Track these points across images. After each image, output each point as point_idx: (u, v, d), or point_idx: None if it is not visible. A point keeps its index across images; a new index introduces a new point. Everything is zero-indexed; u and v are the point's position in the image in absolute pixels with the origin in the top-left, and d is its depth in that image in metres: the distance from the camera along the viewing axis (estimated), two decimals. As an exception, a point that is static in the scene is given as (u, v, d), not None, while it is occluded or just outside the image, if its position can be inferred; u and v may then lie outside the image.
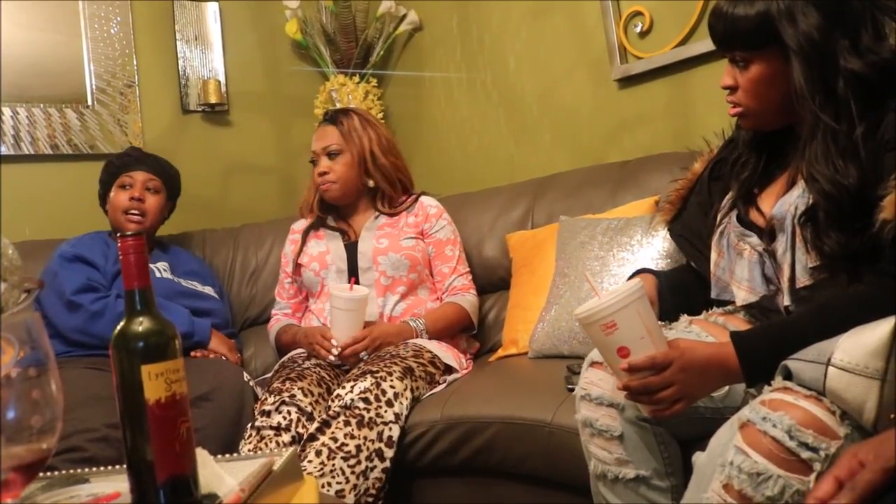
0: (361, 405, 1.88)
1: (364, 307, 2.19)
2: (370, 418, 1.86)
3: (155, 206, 2.46)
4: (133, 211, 2.41)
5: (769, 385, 1.15)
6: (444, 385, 2.10)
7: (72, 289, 2.24)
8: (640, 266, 1.82)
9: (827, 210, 1.28)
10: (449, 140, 3.16)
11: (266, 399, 2.00)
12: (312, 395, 2.00)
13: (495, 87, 2.97)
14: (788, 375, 1.12)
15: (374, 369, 1.97)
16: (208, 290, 2.55)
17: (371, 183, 2.40)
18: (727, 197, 1.53)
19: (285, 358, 2.30)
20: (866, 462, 0.90)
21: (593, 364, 1.45)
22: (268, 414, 1.95)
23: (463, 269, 2.42)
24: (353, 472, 1.80)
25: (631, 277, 1.61)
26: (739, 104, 1.42)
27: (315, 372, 2.10)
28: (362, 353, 2.15)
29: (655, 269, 1.79)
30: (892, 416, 1.00)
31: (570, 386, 1.74)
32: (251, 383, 2.21)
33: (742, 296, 1.45)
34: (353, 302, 2.16)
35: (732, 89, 1.41)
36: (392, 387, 1.93)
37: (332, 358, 2.16)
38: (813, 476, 1.03)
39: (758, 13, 1.32)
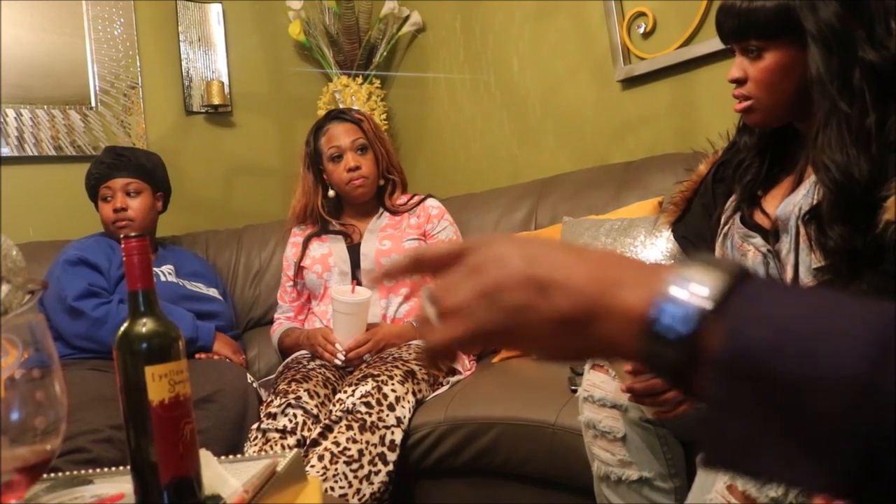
0: (363, 409, 1.87)
1: (366, 310, 2.19)
2: (372, 422, 1.86)
3: (140, 208, 2.42)
4: (120, 222, 2.39)
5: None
6: (448, 387, 2.10)
7: (73, 295, 2.23)
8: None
9: (834, 202, 1.27)
10: (452, 141, 3.16)
11: (272, 401, 2.00)
12: (318, 396, 2.00)
13: (498, 87, 2.97)
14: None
15: (376, 373, 1.97)
16: (213, 291, 2.55)
17: (381, 182, 2.41)
18: (731, 199, 1.53)
19: (290, 359, 2.30)
20: None
21: (594, 366, 1.44)
22: (273, 416, 1.95)
23: (466, 271, 2.41)
24: (355, 477, 1.80)
25: None
26: (749, 97, 1.40)
27: (320, 373, 2.10)
28: (365, 356, 2.15)
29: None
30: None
31: (573, 387, 1.74)
32: (255, 385, 2.21)
33: (746, 297, 1.45)
34: (355, 305, 2.16)
35: (741, 82, 1.40)
36: (393, 390, 1.93)
37: (337, 362, 2.16)
38: (817, 477, 1.03)
39: (776, 5, 1.31)
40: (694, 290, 0.44)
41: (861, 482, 0.38)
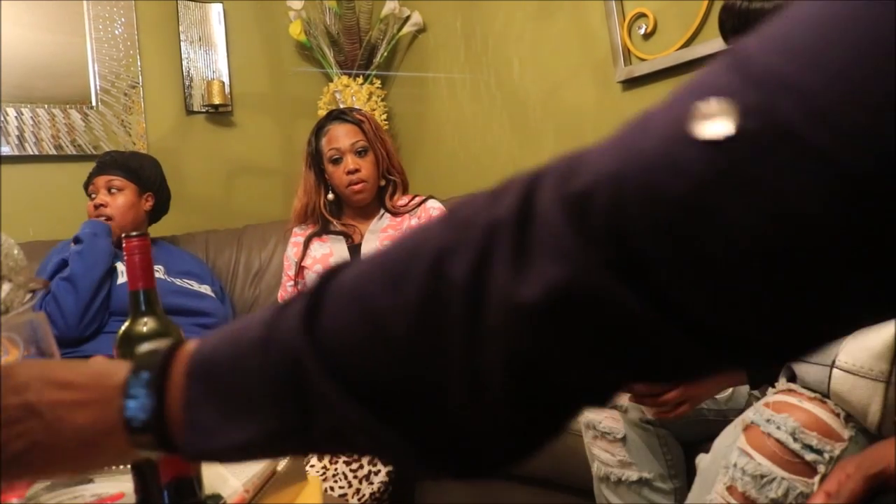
0: (364, 407, 1.88)
1: None
2: (373, 420, 1.86)
3: (120, 205, 2.42)
4: (98, 219, 2.40)
5: (773, 387, 1.15)
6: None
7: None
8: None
9: None
10: (452, 141, 3.17)
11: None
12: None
13: (499, 88, 2.97)
14: (792, 377, 1.12)
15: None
16: (205, 288, 2.54)
17: (382, 183, 2.41)
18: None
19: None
20: (850, 473, 0.94)
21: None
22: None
23: (466, 271, 2.41)
24: (355, 476, 1.80)
25: None
26: None
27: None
28: None
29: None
30: (896, 418, 1.01)
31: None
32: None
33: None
34: None
35: None
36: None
37: None
38: (817, 478, 1.03)
39: (775, 6, 1.32)
40: (143, 378, 0.50)
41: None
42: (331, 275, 0.45)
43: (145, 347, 0.53)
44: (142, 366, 0.50)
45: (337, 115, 2.44)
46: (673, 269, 0.33)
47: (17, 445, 0.52)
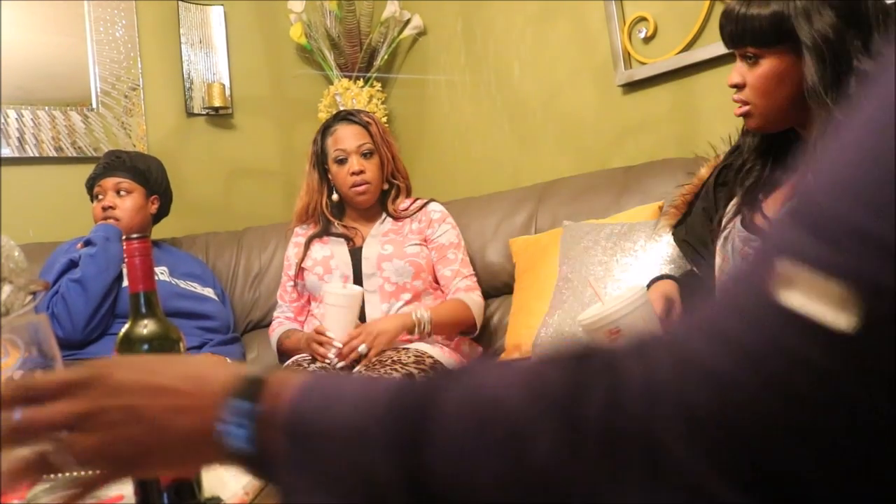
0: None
1: (357, 305, 2.17)
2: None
3: (129, 208, 2.42)
4: (106, 220, 2.39)
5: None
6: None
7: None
8: (643, 271, 1.82)
9: None
10: (453, 144, 3.17)
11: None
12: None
13: (499, 91, 2.98)
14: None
15: (375, 376, 1.96)
16: (208, 291, 2.54)
17: (385, 186, 2.41)
18: (732, 203, 1.53)
19: (289, 361, 2.29)
20: None
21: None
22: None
23: (467, 272, 2.41)
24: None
25: (649, 284, 1.61)
26: (747, 102, 1.41)
27: (319, 376, 2.09)
28: (361, 348, 2.12)
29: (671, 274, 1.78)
30: None
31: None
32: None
33: (747, 301, 1.45)
34: (347, 298, 2.15)
35: (740, 87, 1.42)
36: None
37: (331, 356, 2.12)
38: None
39: (772, 13, 1.33)
40: (244, 408, 0.51)
41: None
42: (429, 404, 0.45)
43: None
44: (241, 394, 0.51)
45: (344, 116, 2.44)
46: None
47: (123, 449, 0.54)
